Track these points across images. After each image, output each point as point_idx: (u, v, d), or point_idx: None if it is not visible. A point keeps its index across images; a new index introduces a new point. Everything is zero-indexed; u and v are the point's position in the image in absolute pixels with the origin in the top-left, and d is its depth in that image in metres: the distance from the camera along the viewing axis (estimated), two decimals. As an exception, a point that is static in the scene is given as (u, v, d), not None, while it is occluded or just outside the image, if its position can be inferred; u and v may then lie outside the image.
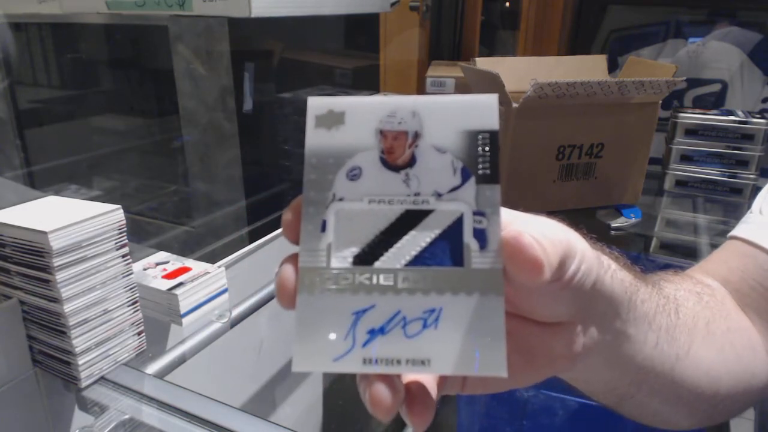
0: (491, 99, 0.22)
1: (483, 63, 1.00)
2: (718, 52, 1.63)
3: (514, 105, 0.85)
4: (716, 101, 1.64)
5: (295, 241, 0.22)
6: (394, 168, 0.22)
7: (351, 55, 1.21)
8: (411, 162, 0.22)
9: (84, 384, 0.49)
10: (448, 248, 0.22)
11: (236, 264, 0.73)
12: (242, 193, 0.90)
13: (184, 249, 0.86)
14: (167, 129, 1.02)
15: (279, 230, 0.82)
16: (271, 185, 1.06)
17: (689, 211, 0.98)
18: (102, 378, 0.50)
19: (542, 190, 0.91)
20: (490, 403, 0.70)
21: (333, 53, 1.18)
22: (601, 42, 1.84)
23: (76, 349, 0.48)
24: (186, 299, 0.58)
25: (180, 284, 0.58)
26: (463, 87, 1.09)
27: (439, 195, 0.22)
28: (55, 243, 0.44)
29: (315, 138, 0.22)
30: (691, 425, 0.40)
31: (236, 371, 0.80)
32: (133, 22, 0.89)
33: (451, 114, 0.22)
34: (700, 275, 0.43)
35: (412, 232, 0.22)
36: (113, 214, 0.49)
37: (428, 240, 0.22)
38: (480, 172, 0.22)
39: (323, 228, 0.22)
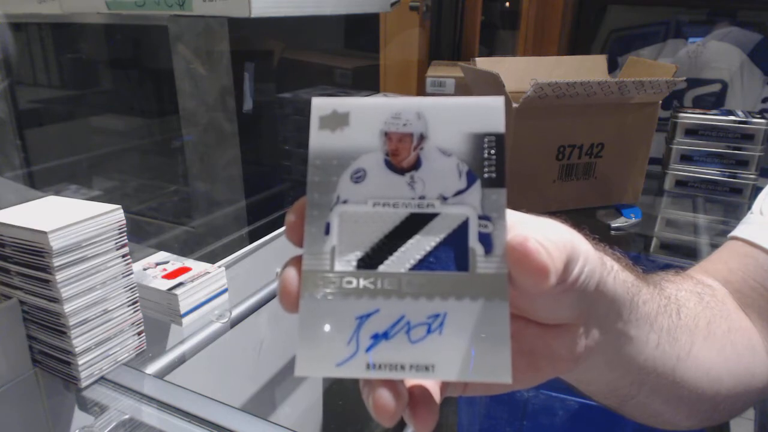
0: (498, 101, 0.22)
1: (483, 63, 1.00)
2: (718, 52, 1.63)
3: (514, 105, 0.85)
4: (716, 101, 1.64)
5: (299, 244, 0.22)
6: (399, 170, 0.22)
7: (351, 55, 1.21)
8: (416, 165, 0.22)
9: (84, 384, 0.49)
10: (453, 252, 0.21)
11: (236, 264, 0.73)
12: (242, 193, 0.90)
13: (184, 249, 0.86)
14: (167, 129, 1.02)
15: (279, 230, 0.82)
16: (272, 185, 1.06)
17: (689, 211, 0.98)
18: (102, 378, 0.50)
19: (542, 190, 0.91)
20: (491, 404, 0.70)
21: (333, 53, 1.17)
22: (601, 42, 1.84)
23: (76, 349, 0.48)
24: (186, 299, 0.58)
25: (180, 284, 0.58)
26: (463, 87, 1.09)
27: (444, 198, 0.21)
28: (55, 243, 0.44)
29: (319, 139, 0.22)
30: (692, 425, 0.40)
31: (236, 371, 0.80)
32: (133, 22, 0.88)
33: (456, 116, 0.22)
34: (701, 275, 0.43)
35: (417, 236, 0.21)
36: (113, 214, 0.49)
37: (433, 244, 0.21)
38: (486, 175, 0.21)
39: (327, 231, 0.21)
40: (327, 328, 0.21)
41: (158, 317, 0.58)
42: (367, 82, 1.21)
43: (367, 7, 1.02)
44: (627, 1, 1.84)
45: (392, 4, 1.08)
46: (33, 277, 0.47)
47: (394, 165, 0.22)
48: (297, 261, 0.22)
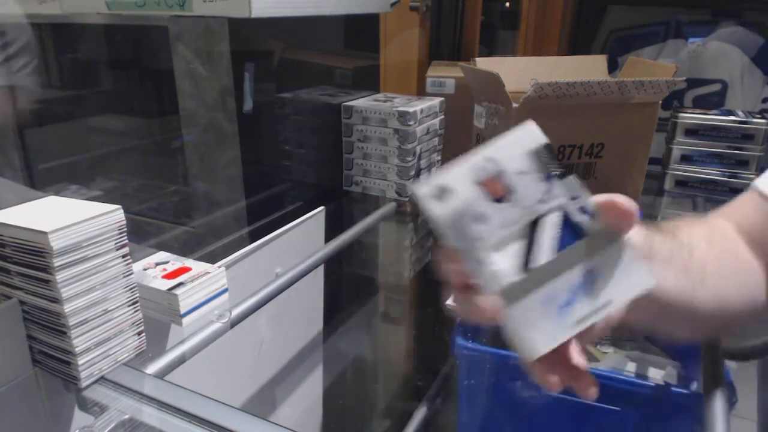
0: (529, 124, 0.30)
1: (483, 63, 1.00)
2: (719, 53, 1.63)
3: (514, 105, 0.85)
4: (716, 101, 1.64)
5: (466, 287, 0.30)
6: (502, 200, 0.29)
7: (351, 55, 1.20)
8: (511, 190, 0.30)
9: (84, 384, 0.49)
10: (570, 230, 0.30)
11: (236, 264, 0.73)
12: (242, 193, 0.90)
13: (184, 249, 0.86)
14: (167, 129, 1.02)
15: (279, 230, 0.82)
16: (272, 185, 1.06)
17: (689, 211, 0.98)
18: (102, 378, 0.50)
19: (542, 190, 0.91)
20: (490, 403, 0.70)
21: (333, 53, 1.17)
22: (601, 42, 1.84)
23: (76, 349, 0.48)
24: (186, 299, 0.58)
25: (180, 284, 0.58)
26: (463, 87, 1.09)
27: (542, 201, 0.30)
28: (55, 243, 0.44)
29: (439, 210, 0.29)
30: (704, 340, 0.52)
31: (236, 371, 0.80)
32: (133, 22, 0.88)
33: (512, 147, 0.30)
34: (718, 220, 0.50)
35: (543, 233, 0.30)
36: (113, 215, 0.49)
37: (556, 231, 0.30)
38: (556, 172, 0.30)
39: (488, 262, 0.29)
40: (532, 319, 0.29)
41: (158, 317, 0.58)
42: (367, 82, 1.21)
43: (367, 7, 1.01)
44: (627, 1, 1.84)
45: (392, 4, 1.08)
46: (33, 277, 0.47)
47: (497, 199, 0.29)
48: (470, 294, 0.30)
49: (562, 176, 0.30)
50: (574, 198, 0.30)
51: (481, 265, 0.29)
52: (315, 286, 0.97)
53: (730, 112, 1.00)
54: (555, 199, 0.30)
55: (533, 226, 0.30)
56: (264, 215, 0.93)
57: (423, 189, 0.29)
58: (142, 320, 0.53)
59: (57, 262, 0.45)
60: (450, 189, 0.29)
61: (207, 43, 0.79)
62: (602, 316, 0.31)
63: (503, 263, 0.29)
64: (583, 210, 0.30)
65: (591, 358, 0.77)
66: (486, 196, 0.29)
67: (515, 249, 0.29)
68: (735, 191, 0.99)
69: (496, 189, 0.29)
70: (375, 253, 1.12)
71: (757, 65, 1.62)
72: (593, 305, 0.30)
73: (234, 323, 0.62)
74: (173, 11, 0.76)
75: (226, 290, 0.63)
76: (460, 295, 0.31)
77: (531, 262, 0.29)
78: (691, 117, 1.00)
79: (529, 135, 0.30)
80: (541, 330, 0.29)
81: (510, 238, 0.29)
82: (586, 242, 0.30)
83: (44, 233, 0.44)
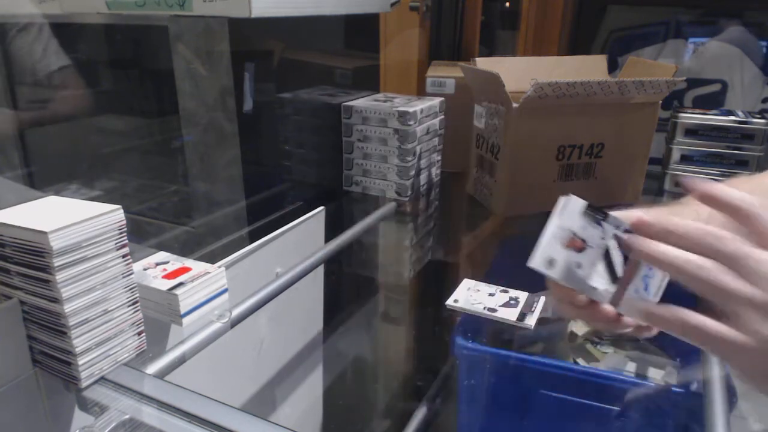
0: (571, 196, 0.45)
1: (483, 63, 1.00)
2: (719, 53, 1.63)
3: (514, 105, 0.85)
4: (716, 101, 1.64)
5: (580, 306, 0.46)
6: (582, 249, 0.44)
7: (351, 55, 1.20)
8: (584, 241, 0.44)
9: (84, 384, 0.49)
10: (623, 246, 0.44)
11: (236, 264, 0.73)
12: (242, 193, 0.90)
13: (184, 249, 0.86)
14: (167, 129, 1.02)
15: (279, 230, 0.82)
16: (272, 185, 1.06)
17: (689, 211, 0.98)
18: (102, 378, 0.50)
19: (542, 190, 0.91)
20: (490, 403, 0.70)
21: (333, 53, 1.17)
22: (601, 42, 1.84)
23: (76, 349, 0.48)
24: (186, 299, 0.58)
25: (180, 284, 0.58)
26: (463, 87, 1.09)
27: (603, 238, 0.45)
28: (56, 243, 0.44)
29: (554, 274, 0.44)
30: None
31: (236, 371, 0.80)
32: (134, 22, 0.88)
33: (570, 215, 0.45)
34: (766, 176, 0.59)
35: (613, 255, 0.45)
36: (113, 215, 0.49)
37: (620, 253, 0.45)
38: (602, 217, 0.45)
39: (594, 285, 0.45)
40: (633, 306, 0.44)
41: (158, 317, 0.58)
42: (367, 82, 1.21)
43: (367, 7, 1.02)
44: (627, 1, 1.84)
45: (392, 4, 1.08)
46: (33, 277, 0.47)
47: (578, 249, 0.44)
48: (591, 308, 0.46)
49: (605, 217, 0.45)
50: (617, 227, 0.45)
51: (593, 291, 0.45)
52: (315, 286, 0.97)
53: (730, 112, 1.00)
54: (608, 232, 0.45)
55: (606, 253, 0.44)
56: (264, 215, 0.93)
57: (537, 263, 0.43)
58: (142, 320, 0.53)
59: (57, 262, 0.45)
60: (552, 258, 0.44)
61: (207, 43, 0.79)
62: (665, 285, 0.45)
63: (602, 284, 0.45)
64: (626, 231, 0.44)
65: (591, 358, 0.77)
66: (573, 250, 0.44)
67: (602, 271, 0.45)
68: (735, 191, 0.99)
69: (576, 245, 0.44)
70: (375, 253, 1.12)
71: (757, 65, 1.62)
72: (657, 281, 0.45)
73: (234, 323, 0.62)
74: (173, 11, 0.76)
75: (226, 290, 0.63)
76: (584, 311, 0.46)
77: (616, 275, 0.45)
78: (691, 117, 1.00)
79: (574, 202, 0.45)
80: (638, 310, 0.44)
81: (597, 266, 0.45)
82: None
83: (44, 233, 0.44)
